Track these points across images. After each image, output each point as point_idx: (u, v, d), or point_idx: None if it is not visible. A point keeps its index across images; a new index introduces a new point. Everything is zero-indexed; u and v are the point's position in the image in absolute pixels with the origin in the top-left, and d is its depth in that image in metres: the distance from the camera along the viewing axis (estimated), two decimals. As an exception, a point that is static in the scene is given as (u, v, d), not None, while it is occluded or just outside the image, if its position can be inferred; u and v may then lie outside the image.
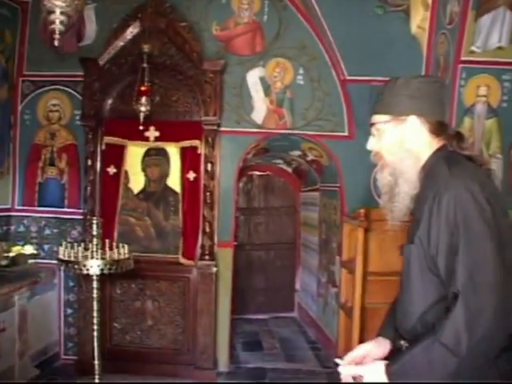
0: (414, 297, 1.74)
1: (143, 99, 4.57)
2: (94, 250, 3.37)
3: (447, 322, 1.54)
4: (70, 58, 5.41)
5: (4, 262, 4.95)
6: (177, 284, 5.22)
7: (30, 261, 5.21)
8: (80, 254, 3.31)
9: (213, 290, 5.08)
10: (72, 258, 3.30)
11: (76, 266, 3.27)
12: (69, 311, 5.48)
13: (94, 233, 3.40)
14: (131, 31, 5.03)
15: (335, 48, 5.16)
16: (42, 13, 5.46)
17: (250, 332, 6.80)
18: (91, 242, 3.39)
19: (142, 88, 4.58)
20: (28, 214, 5.58)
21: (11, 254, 5.02)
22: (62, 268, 3.35)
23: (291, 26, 5.32)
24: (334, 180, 5.67)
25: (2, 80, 5.34)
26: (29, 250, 5.26)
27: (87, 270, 3.26)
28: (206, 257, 5.09)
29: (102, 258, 3.33)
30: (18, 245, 5.32)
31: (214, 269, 5.08)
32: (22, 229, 5.58)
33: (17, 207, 5.59)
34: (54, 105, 5.56)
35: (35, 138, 5.57)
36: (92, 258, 3.30)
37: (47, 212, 5.55)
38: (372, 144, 1.91)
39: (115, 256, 3.38)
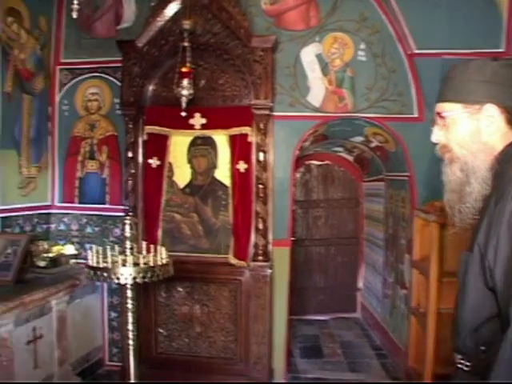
0: (466, 310, 1.58)
1: (185, 82, 4.08)
2: (128, 254, 2.90)
3: None
4: (109, 43, 5.03)
5: (42, 264, 4.67)
6: (227, 287, 4.72)
7: (72, 261, 4.90)
8: (110, 260, 2.84)
9: (267, 293, 4.55)
10: (101, 265, 2.84)
11: (105, 274, 2.80)
12: (113, 315, 5.12)
13: (127, 234, 2.92)
14: (171, 8, 4.55)
15: (401, 19, 4.55)
16: None
17: (309, 335, 6.29)
18: (124, 244, 2.92)
19: (184, 69, 4.08)
20: (68, 212, 5.27)
21: (50, 255, 4.72)
22: (90, 276, 2.84)
23: (349, -5, 4.73)
24: (401, 168, 5.04)
25: (38, 69, 5.01)
26: (69, 249, 5.01)
27: (117, 278, 2.79)
28: (260, 257, 4.57)
29: (136, 264, 2.85)
30: (59, 244, 5.07)
31: (269, 271, 4.55)
32: (62, 227, 5.28)
33: (57, 204, 5.29)
34: (92, 93, 5.20)
35: (74, 130, 5.24)
36: (124, 264, 2.82)
37: (88, 209, 5.22)
38: (438, 136, 1.71)
39: (151, 261, 2.89)
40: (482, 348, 1.52)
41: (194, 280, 4.76)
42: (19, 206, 4.84)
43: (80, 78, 5.23)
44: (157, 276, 2.87)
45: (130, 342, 3.05)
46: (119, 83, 4.90)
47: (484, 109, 1.59)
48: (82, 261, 4.77)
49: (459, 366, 1.62)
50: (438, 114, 1.69)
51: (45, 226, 5.22)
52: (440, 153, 1.72)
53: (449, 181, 1.70)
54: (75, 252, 5.00)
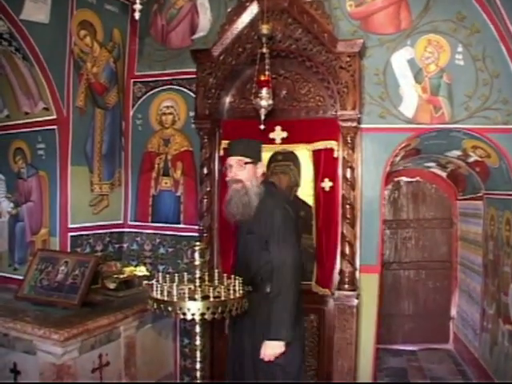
0: (254, 260, 3.07)
1: (264, 91, 3.72)
2: (197, 285, 2.53)
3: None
4: (184, 54, 4.83)
5: (112, 286, 4.44)
6: (309, 317, 4.26)
7: (144, 282, 4.64)
8: (175, 292, 2.48)
9: (353, 327, 4.06)
10: (165, 297, 2.49)
11: (170, 309, 2.44)
12: (186, 341, 4.79)
13: (197, 262, 2.56)
14: (248, 13, 4.23)
15: (505, 16, 3.97)
16: (152, 7, 4.97)
17: (396, 369, 5.72)
18: (194, 274, 2.56)
19: (262, 78, 3.73)
20: (141, 231, 5.05)
21: (121, 276, 4.49)
22: (153, 309, 2.49)
23: (443, -8, 4.25)
24: (505, 186, 4.46)
25: (111, 82, 4.86)
26: (142, 271, 4.73)
27: (183, 314, 2.42)
28: (346, 285, 4.10)
29: (206, 297, 2.48)
30: (131, 265, 4.84)
31: (356, 300, 4.07)
32: (135, 247, 5.08)
33: (129, 223, 5.10)
34: (167, 107, 4.98)
35: (148, 146, 5.04)
36: (192, 297, 2.45)
37: (162, 229, 4.98)
38: None
39: (222, 294, 2.50)
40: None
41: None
42: (90, 224, 4.69)
43: (154, 90, 5.04)
44: (229, 311, 2.48)
45: (198, 375, 2.67)
46: (194, 95, 4.61)
47: None
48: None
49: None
50: None
51: (117, 246, 5.03)
52: None
53: None
54: (147, 273, 4.73)
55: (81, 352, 3.52)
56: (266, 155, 4.48)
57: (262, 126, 3.80)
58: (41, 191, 4.48)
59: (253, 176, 3.31)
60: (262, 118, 3.78)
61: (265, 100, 3.75)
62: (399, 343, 6.38)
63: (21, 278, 4.22)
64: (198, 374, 2.66)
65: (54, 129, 4.37)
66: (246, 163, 3.29)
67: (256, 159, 3.35)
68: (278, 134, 4.42)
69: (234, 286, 2.57)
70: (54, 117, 4.35)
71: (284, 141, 4.43)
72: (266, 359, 3.05)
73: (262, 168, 3.40)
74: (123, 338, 4.00)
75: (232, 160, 3.32)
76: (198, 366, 2.66)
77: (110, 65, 4.80)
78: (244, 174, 3.27)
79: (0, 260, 4.82)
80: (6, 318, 3.64)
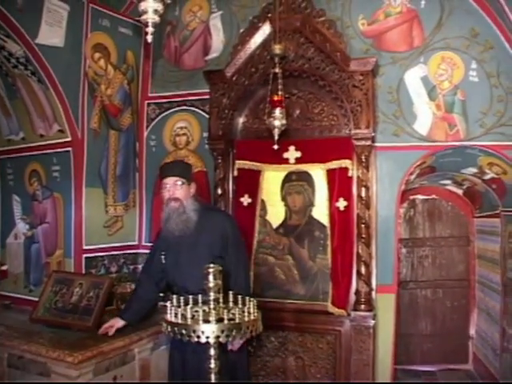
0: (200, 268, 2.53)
1: (277, 111, 3.70)
2: (211, 307, 2.50)
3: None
4: (197, 75, 4.84)
5: None
6: (325, 339, 4.21)
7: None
8: (189, 314, 2.45)
9: (371, 348, 4.00)
10: (179, 320, 2.46)
11: (184, 332, 2.41)
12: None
13: (211, 284, 2.53)
14: (261, 34, 4.26)
15: (518, 32, 3.98)
16: (165, 29, 5.01)
17: (415, 390, 5.61)
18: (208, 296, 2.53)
19: (275, 98, 3.71)
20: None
21: None
22: (167, 331, 2.45)
23: (456, 9, 4.26)
24: (523, 203, 4.39)
25: (125, 104, 4.87)
26: None
27: (197, 337, 2.39)
28: (362, 306, 4.04)
29: (220, 320, 2.44)
30: None
31: (372, 321, 4.01)
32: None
33: (144, 244, 5.06)
34: (181, 128, 4.99)
35: (162, 167, 4.99)
36: (206, 320, 2.42)
37: (176, 250, 4.89)
38: None
39: (237, 317, 2.47)
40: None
41: (288, 329, 4.30)
42: (105, 245, 4.69)
43: (168, 112, 5.06)
44: (243, 333, 2.44)
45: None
46: (208, 116, 4.62)
47: None
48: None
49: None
50: None
51: (131, 267, 5.00)
52: None
53: None
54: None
55: (95, 374, 3.47)
56: (279, 175, 4.51)
57: (276, 146, 3.78)
58: (56, 213, 4.49)
59: (188, 195, 3.44)
60: (276, 137, 3.75)
61: (278, 120, 3.73)
62: (417, 364, 6.23)
63: (36, 299, 4.20)
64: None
65: (68, 151, 4.39)
66: (183, 183, 3.41)
67: (189, 179, 3.50)
68: (292, 153, 4.42)
69: (249, 308, 2.53)
70: (69, 139, 4.37)
71: (298, 160, 4.42)
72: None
73: (193, 188, 3.53)
74: (138, 360, 3.93)
75: (169, 180, 3.42)
76: (212, 388, 2.61)
77: (124, 86, 4.83)
78: (181, 193, 3.40)
79: (16, 281, 4.82)
80: (21, 340, 3.61)
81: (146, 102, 5.12)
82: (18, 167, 4.78)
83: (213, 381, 2.58)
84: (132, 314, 3.78)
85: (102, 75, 4.58)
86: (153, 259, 3.71)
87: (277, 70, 3.77)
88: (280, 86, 3.76)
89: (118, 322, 3.73)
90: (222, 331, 2.37)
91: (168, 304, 2.55)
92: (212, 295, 2.55)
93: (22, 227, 4.80)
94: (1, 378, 3.77)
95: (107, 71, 4.63)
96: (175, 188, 3.41)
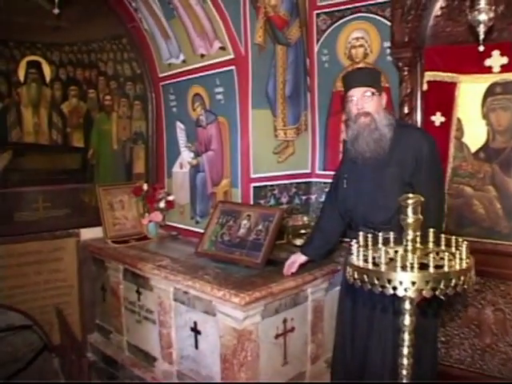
0: (391, 198, 2.52)
1: (482, 2, 2.91)
2: (409, 250, 1.93)
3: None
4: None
5: (299, 242, 4.12)
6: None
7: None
8: (383, 258, 1.88)
9: None
10: (369, 265, 1.91)
11: (376, 281, 1.86)
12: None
13: (410, 220, 1.94)
14: None
15: None
16: None
17: None
18: (406, 235, 1.94)
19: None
20: (331, 181, 4.51)
21: (309, 231, 4.09)
22: (352, 279, 1.92)
23: None
24: None
25: (293, 15, 4.38)
26: None
27: (394, 288, 1.82)
28: None
29: (423, 267, 1.86)
30: None
31: None
32: (323, 199, 4.53)
33: (318, 172, 4.64)
34: (357, 38, 4.33)
35: (336, 84, 4.44)
36: (403, 267, 1.85)
37: (353, 178, 4.38)
38: None
39: (445, 265, 1.86)
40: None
41: (488, 275, 3.57)
42: (275, 174, 4.33)
43: (341, 21, 4.39)
44: (453, 287, 1.84)
45: (404, 372, 2.07)
46: (389, 23, 3.89)
47: None
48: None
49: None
50: None
51: (304, 198, 4.62)
52: None
53: None
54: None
55: (263, 316, 3.23)
56: (480, 87, 3.68)
57: (482, 48, 3.00)
58: (221, 139, 4.25)
59: (380, 107, 2.97)
60: (482, 36, 2.96)
61: (484, 13, 2.93)
62: None
63: (202, 231, 4.06)
64: (405, 360, 2.05)
65: (231, 69, 4.06)
66: (373, 94, 2.92)
67: (381, 89, 3.04)
68: (497, 60, 3.52)
69: (459, 251, 1.91)
70: (232, 56, 4.03)
71: (504, 68, 3.52)
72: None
73: (385, 99, 3.05)
74: (310, 302, 3.65)
75: (357, 91, 2.93)
76: (405, 351, 2.04)
77: (292, -4, 4.30)
78: (371, 105, 2.92)
79: (182, 212, 4.75)
80: (186, 275, 3.48)
81: (315, 12, 4.50)
82: (180, 92, 4.61)
83: (406, 342, 2.04)
84: (315, 249, 3.41)
85: (266, -16, 4.09)
86: (337, 187, 3.27)
87: None
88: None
89: (301, 257, 3.40)
90: (427, 282, 1.79)
91: (353, 243, 2.03)
92: (410, 234, 1.97)
93: (186, 156, 4.65)
94: (167, 312, 3.71)
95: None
96: (364, 100, 2.92)
